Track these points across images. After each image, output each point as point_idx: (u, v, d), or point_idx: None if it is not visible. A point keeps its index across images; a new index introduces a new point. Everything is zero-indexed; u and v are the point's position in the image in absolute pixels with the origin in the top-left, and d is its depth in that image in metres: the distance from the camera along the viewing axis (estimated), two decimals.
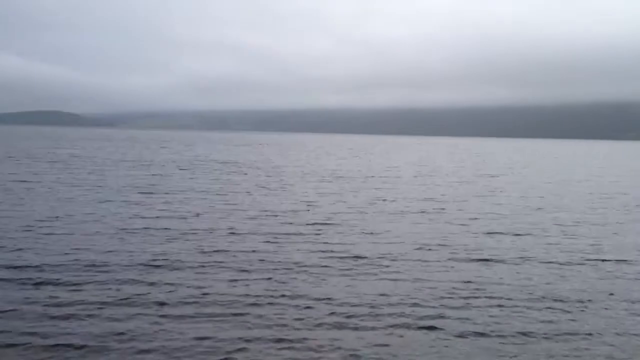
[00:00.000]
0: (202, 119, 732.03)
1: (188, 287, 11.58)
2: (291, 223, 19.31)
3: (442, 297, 11.34)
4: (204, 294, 11.16)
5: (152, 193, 26.96)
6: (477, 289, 11.98)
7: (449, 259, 14.59)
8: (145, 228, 17.59)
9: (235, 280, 12.20)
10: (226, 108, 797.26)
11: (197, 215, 20.56)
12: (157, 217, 19.79)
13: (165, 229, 17.59)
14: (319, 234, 17.52)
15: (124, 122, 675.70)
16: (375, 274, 12.98)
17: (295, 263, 13.72)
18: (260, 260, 13.87)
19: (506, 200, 28.05)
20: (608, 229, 20.21)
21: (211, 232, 17.21)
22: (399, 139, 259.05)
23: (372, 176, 41.37)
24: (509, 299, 11.39)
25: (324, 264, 13.69)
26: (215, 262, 13.63)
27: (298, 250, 15.11)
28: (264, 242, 16.03)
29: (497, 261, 14.59)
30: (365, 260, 14.20)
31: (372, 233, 18.00)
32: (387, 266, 13.70)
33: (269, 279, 12.34)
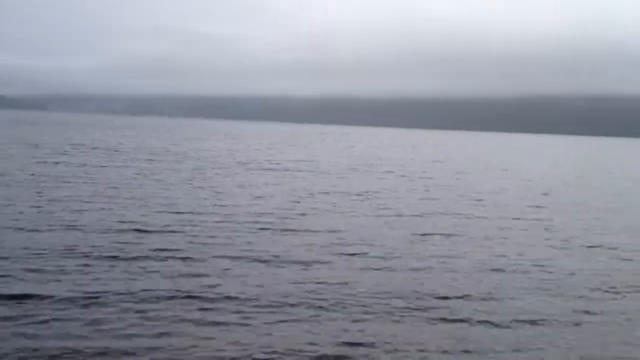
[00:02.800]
0: (131, 102, 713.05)
1: None
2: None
3: None
4: None
5: None
6: None
7: None
8: None
9: None
10: (158, 92, 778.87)
11: None
12: None
13: None
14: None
15: (53, 105, 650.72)
16: None
17: None
18: None
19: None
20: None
21: None
22: (334, 129, 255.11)
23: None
24: None
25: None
26: None
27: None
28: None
29: None
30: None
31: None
32: None
33: None
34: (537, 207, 25.03)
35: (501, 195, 28.71)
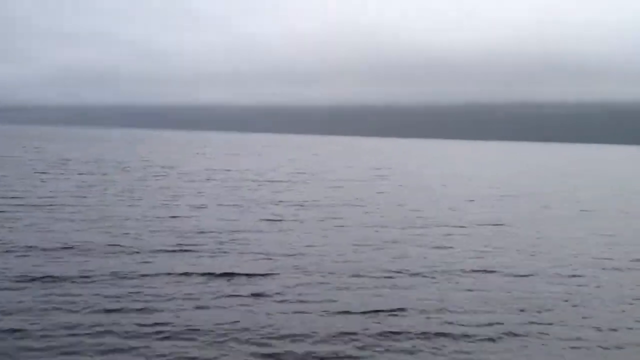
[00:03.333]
0: (65, 113, 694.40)
1: None
2: None
3: None
4: None
5: None
6: None
7: None
8: None
9: None
10: (93, 102, 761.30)
11: None
12: None
13: None
14: None
15: None
16: None
17: None
18: None
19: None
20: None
21: None
22: (270, 137, 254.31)
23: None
24: None
25: None
26: None
27: None
28: None
29: None
30: None
31: None
32: None
33: None
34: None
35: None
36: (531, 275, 13.60)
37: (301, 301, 10.96)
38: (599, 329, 10.17)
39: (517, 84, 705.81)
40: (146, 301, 10.56)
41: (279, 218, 20.53)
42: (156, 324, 9.44)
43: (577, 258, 15.69)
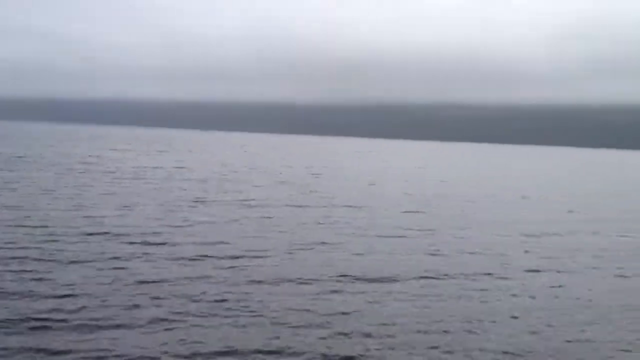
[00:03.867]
0: None
1: None
2: None
3: None
4: None
5: None
6: None
7: None
8: None
9: None
10: (17, 96, 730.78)
11: None
12: None
13: None
14: None
15: None
16: None
17: None
18: None
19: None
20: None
21: None
22: (201, 135, 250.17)
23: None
24: None
25: None
26: None
27: None
28: None
29: None
30: None
31: None
32: None
33: None
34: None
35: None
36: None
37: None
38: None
39: (438, 85, 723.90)
40: None
41: (212, 219, 19.88)
42: None
43: None
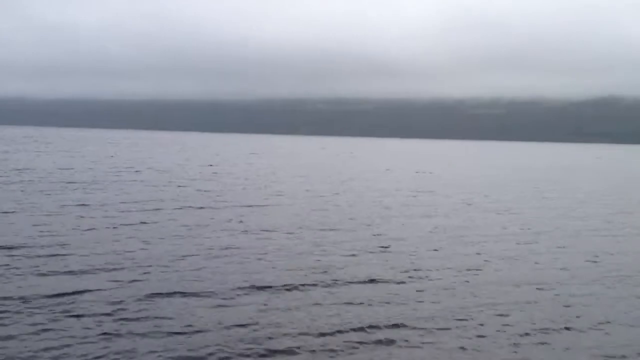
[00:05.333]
0: None
1: None
2: None
3: None
4: None
5: None
6: None
7: None
8: None
9: None
10: None
11: None
12: None
13: None
14: None
15: None
16: None
17: None
18: None
19: None
20: None
21: None
22: (83, 132, 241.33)
23: None
24: None
25: None
26: None
27: None
28: None
29: None
30: None
31: None
32: None
33: None
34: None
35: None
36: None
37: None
38: None
39: (321, 79, 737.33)
40: None
41: (91, 226, 20.38)
42: None
43: None
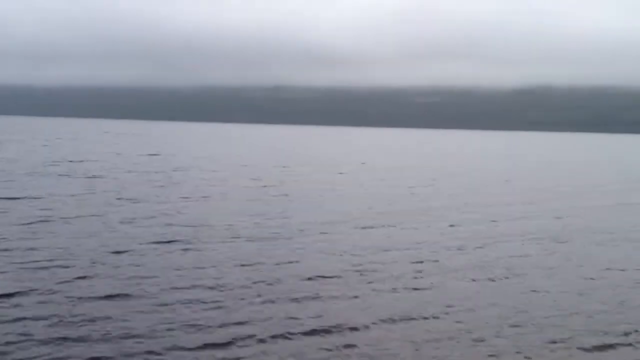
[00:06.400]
0: None
1: None
2: None
3: None
4: None
5: None
6: None
7: None
8: None
9: None
10: None
11: None
12: None
13: None
14: None
15: None
16: None
17: None
18: None
19: None
20: None
21: None
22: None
23: None
24: None
25: None
26: None
27: None
28: None
29: None
30: None
31: None
32: None
33: None
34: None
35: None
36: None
37: None
38: None
39: (259, 67, 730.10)
40: None
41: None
42: None
43: None
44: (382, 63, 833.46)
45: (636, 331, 10.90)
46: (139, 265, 14.10)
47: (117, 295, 11.81)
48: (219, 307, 11.32)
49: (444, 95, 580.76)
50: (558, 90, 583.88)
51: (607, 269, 15.61)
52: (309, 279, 13.48)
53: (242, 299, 11.85)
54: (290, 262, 14.92)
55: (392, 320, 10.93)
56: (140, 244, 16.24)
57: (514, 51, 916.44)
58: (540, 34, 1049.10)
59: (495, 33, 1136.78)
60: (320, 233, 18.93)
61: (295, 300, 11.94)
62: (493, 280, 14.01)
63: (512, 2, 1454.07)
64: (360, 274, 14.00)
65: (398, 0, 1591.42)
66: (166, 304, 11.40)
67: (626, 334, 10.75)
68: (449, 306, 11.83)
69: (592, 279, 14.56)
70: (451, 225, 21.11)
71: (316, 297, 12.16)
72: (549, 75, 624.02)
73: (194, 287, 12.53)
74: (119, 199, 24.65)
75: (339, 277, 13.76)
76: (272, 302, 11.79)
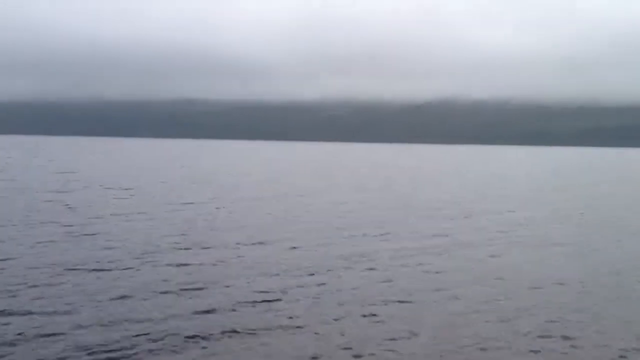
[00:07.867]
0: None
1: None
2: None
3: None
4: None
5: None
6: None
7: None
8: None
9: None
10: None
11: None
12: None
13: None
14: None
15: None
16: None
17: None
18: None
19: None
20: None
21: None
22: None
23: None
24: None
25: None
26: None
27: None
28: None
29: None
30: None
31: None
32: None
33: None
34: None
35: None
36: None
37: None
38: None
39: (164, 80, 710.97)
40: None
41: None
42: None
43: None
44: (294, 76, 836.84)
45: None
46: None
47: None
48: None
49: (354, 108, 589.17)
50: (463, 103, 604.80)
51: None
52: None
53: None
54: None
55: None
56: None
57: (419, 65, 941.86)
58: (445, 48, 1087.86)
59: (403, 48, 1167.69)
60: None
61: None
62: None
63: (417, 19, 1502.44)
64: None
65: (308, 14, 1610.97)
66: None
67: None
68: None
69: None
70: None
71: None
72: (454, 88, 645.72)
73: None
74: None
75: None
76: None
